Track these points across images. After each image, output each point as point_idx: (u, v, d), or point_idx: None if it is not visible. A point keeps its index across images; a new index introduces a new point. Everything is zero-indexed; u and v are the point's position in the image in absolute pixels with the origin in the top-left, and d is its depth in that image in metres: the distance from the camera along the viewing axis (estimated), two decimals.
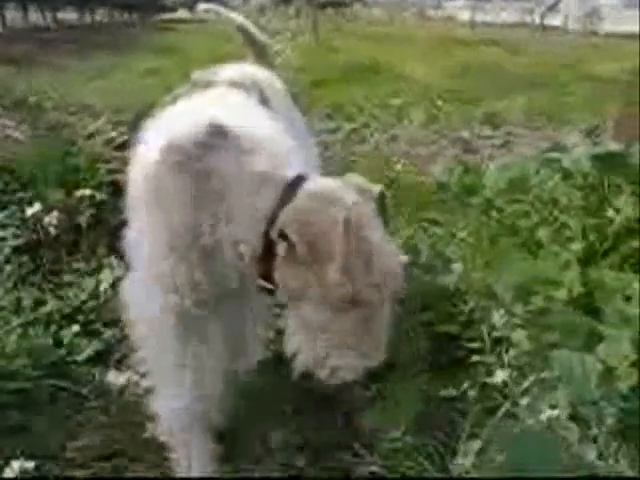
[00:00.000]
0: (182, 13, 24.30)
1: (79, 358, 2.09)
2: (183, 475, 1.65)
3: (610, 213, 2.44)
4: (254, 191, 1.35)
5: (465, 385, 1.94)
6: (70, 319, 2.26)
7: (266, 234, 1.34)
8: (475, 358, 2.02)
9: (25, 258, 2.56)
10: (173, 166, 1.39)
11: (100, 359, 2.12)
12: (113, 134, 3.53)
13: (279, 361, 1.93)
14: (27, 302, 2.29)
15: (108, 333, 2.21)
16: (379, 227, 1.35)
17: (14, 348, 1.98)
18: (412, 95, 6.67)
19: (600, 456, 1.55)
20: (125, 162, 1.65)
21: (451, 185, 3.36)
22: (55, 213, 2.58)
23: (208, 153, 1.38)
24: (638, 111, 3.58)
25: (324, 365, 1.37)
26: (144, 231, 1.49)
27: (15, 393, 1.87)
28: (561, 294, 2.06)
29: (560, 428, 1.61)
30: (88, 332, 2.22)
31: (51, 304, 2.29)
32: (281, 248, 1.31)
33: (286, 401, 1.91)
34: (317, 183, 1.37)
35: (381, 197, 1.43)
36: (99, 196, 2.78)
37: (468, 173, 3.38)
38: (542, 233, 2.49)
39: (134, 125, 2.04)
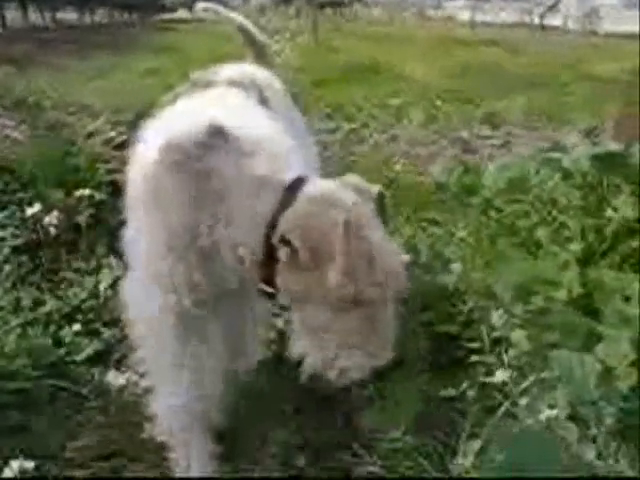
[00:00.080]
0: (182, 13, 24.28)
1: (78, 358, 2.09)
2: (182, 475, 1.65)
3: (609, 213, 2.44)
4: (254, 194, 1.35)
5: (464, 385, 1.94)
6: (70, 319, 2.26)
7: (267, 238, 1.34)
8: (474, 358, 2.02)
9: (24, 258, 2.56)
10: (172, 166, 1.39)
11: (100, 359, 2.12)
12: (112, 134, 3.53)
13: (279, 361, 1.94)
14: (26, 302, 2.30)
15: (108, 333, 2.21)
16: (379, 227, 1.35)
17: (13, 348, 1.98)
18: (412, 95, 6.67)
19: (599, 456, 1.55)
20: (124, 162, 1.65)
21: (450, 185, 3.36)
22: (55, 213, 2.58)
23: (208, 153, 1.38)
24: (638, 111, 3.58)
25: (333, 366, 1.38)
26: (142, 231, 1.49)
27: (15, 393, 1.87)
28: (560, 294, 2.06)
29: (559, 428, 1.61)
30: (88, 332, 2.22)
31: (50, 304, 2.29)
32: (283, 253, 1.31)
33: (286, 401, 1.91)
34: (317, 186, 1.37)
35: (380, 197, 1.43)
36: (98, 196, 2.78)
37: (467, 173, 3.38)
38: (541, 233, 2.49)
39: (134, 125, 2.04)
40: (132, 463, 1.72)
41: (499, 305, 2.15)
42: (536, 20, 18.56)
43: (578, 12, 18.08)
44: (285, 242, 1.30)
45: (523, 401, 1.74)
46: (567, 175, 2.81)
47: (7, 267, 2.47)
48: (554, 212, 2.65)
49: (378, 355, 1.38)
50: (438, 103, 6.37)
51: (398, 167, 4.27)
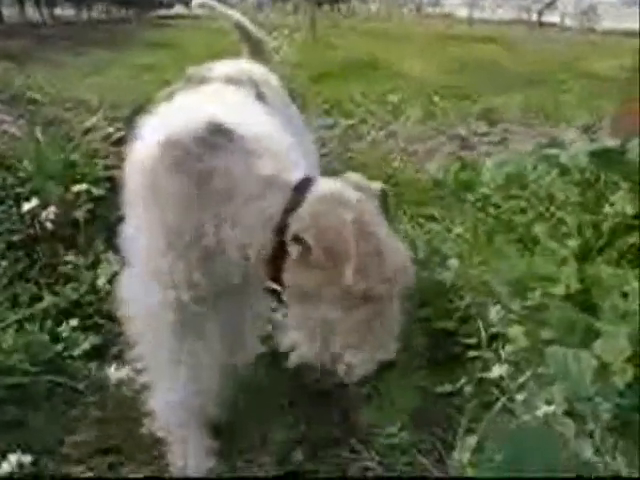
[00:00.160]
0: (178, 9, 24.25)
1: (76, 353, 2.09)
2: (179, 471, 1.65)
3: (607, 209, 2.44)
4: (261, 194, 1.36)
5: (462, 381, 1.94)
6: (67, 314, 2.25)
7: (276, 238, 1.35)
8: (472, 354, 2.02)
9: (21, 253, 2.55)
10: (171, 162, 1.39)
11: (97, 354, 2.12)
12: (110, 130, 3.52)
13: (277, 356, 1.94)
14: (24, 297, 2.29)
15: (105, 328, 2.21)
16: (384, 223, 1.36)
17: (11, 344, 1.98)
18: (409, 91, 6.67)
19: (596, 452, 1.55)
20: (122, 158, 1.65)
21: (448, 181, 3.36)
22: (52, 208, 2.57)
23: (208, 151, 1.38)
24: (635, 108, 3.58)
25: (340, 361, 1.39)
26: (142, 227, 1.49)
27: (12, 388, 1.87)
28: (558, 290, 2.06)
29: (556, 424, 1.61)
30: (85, 327, 2.22)
31: (48, 299, 2.29)
32: (294, 251, 1.32)
33: (283, 396, 1.91)
34: (324, 186, 1.38)
35: (383, 194, 1.44)
36: (96, 191, 2.77)
37: (465, 169, 3.38)
38: (539, 229, 2.49)
39: (130, 121, 2.04)
40: (129, 459, 1.72)
41: (496, 301, 2.15)
42: (534, 17, 18.56)
43: (576, 9, 18.09)
44: (297, 240, 1.31)
45: (520, 397, 1.74)
46: (565, 171, 2.81)
47: (4, 262, 2.46)
48: (552, 208, 2.65)
49: (385, 349, 1.39)
50: (436, 100, 6.36)
51: (396, 163, 4.27)
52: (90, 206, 2.71)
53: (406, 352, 1.99)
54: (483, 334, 2.05)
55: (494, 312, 2.10)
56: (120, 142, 3.26)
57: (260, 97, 1.82)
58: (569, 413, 1.64)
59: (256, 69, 2.05)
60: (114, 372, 1.94)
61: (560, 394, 1.67)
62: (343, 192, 1.36)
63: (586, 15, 17.76)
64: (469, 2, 20.58)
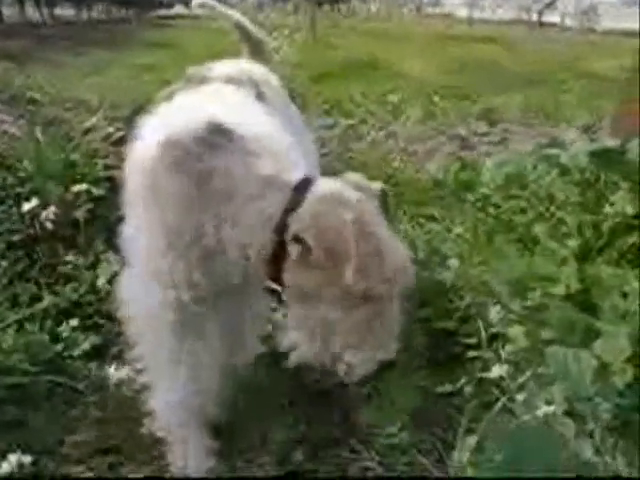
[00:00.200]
0: (178, 9, 24.24)
1: (76, 353, 2.09)
2: (179, 471, 1.65)
3: (607, 209, 2.44)
4: (261, 194, 1.36)
5: (462, 381, 1.94)
6: (67, 314, 2.25)
7: (276, 238, 1.35)
8: (472, 354, 2.02)
9: (21, 253, 2.55)
10: (171, 162, 1.39)
11: (97, 354, 2.12)
12: (110, 130, 3.52)
13: (277, 356, 1.94)
14: (24, 297, 2.29)
15: (105, 328, 2.21)
16: (384, 223, 1.36)
17: (11, 344, 1.98)
18: (409, 92, 6.67)
19: (596, 452, 1.55)
20: (122, 158, 1.65)
21: (448, 181, 3.36)
22: (52, 208, 2.57)
23: (208, 151, 1.38)
24: (635, 109, 3.58)
25: (340, 361, 1.39)
26: (142, 227, 1.49)
27: (12, 388, 1.87)
28: (558, 290, 2.06)
29: (556, 424, 1.61)
30: (85, 327, 2.22)
31: (48, 299, 2.29)
32: (294, 251, 1.32)
33: (283, 396, 1.91)
34: (325, 186, 1.38)
35: (383, 194, 1.44)
36: (96, 191, 2.77)
37: (465, 169, 3.38)
38: (539, 229, 2.49)
39: (130, 121, 2.04)
40: (129, 459, 1.72)
41: (496, 301, 2.15)
42: (534, 17, 18.56)
43: (576, 9, 18.09)
44: (297, 240, 1.31)
45: (520, 397, 1.74)
46: (565, 171, 2.81)
47: (4, 262, 2.46)
48: (552, 208, 2.65)
49: (385, 348, 1.39)
50: (436, 100, 6.36)
51: (396, 163, 4.27)
52: (90, 206, 2.71)
53: (406, 352, 1.99)
54: (483, 334, 2.05)
55: (494, 312, 2.10)
56: (120, 142, 3.26)
57: (260, 97, 1.82)
58: (569, 413, 1.64)
59: (256, 69, 2.05)
60: (114, 372, 1.94)
61: (560, 394, 1.67)
62: (343, 192, 1.36)
63: (586, 15, 17.76)
64: (469, 2, 20.58)
